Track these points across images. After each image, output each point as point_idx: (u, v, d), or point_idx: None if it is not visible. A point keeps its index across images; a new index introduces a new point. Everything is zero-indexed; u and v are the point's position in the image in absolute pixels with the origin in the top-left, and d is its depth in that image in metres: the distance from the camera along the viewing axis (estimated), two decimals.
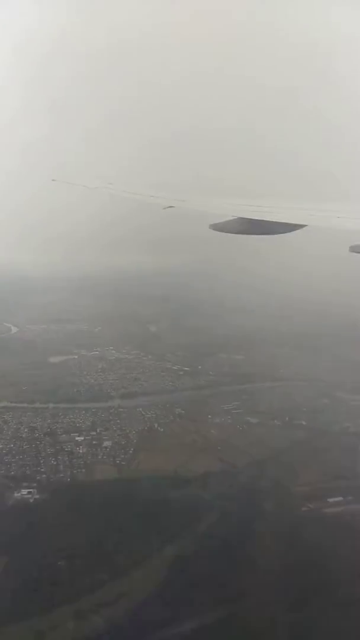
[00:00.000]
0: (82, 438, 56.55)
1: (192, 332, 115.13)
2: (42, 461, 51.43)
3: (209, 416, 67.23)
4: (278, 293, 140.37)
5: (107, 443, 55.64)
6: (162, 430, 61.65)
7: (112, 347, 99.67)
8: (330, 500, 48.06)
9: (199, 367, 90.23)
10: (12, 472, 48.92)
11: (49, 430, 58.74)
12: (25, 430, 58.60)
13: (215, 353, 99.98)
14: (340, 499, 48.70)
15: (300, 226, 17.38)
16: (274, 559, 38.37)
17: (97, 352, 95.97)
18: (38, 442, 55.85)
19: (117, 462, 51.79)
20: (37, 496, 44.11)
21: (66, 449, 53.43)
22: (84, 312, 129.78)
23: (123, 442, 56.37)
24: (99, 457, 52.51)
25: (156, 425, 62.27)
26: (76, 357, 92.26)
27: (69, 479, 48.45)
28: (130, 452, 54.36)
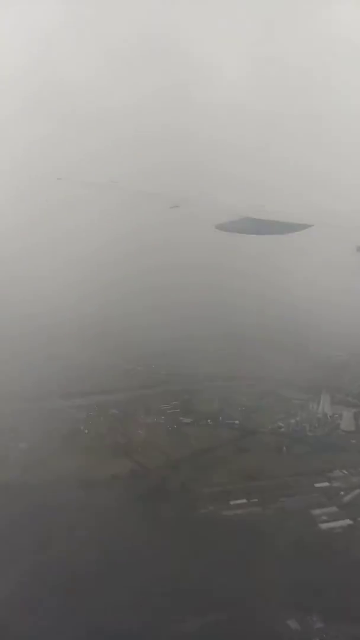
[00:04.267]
0: None
1: (156, 329, 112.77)
2: None
3: (142, 416, 66.75)
4: (262, 292, 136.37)
5: (22, 445, 55.10)
6: (86, 431, 61.49)
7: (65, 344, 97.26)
8: (233, 502, 47.20)
9: (153, 365, 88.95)
10: None
11: None
12: None
13: (173, 352, 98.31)
14: (244, 501, 47.88)
15: (307, 226, 16.84)
16: (142, 566, 37.75)
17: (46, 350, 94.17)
18: None
19: (25, 464, 51.18)
20: None
21: None
22: None
23: (40, 444, 55.67)
24: (10, 460, 51.89)
25: (82, 427, 61.82)
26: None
27: None
28: (44, 454, 53.68)
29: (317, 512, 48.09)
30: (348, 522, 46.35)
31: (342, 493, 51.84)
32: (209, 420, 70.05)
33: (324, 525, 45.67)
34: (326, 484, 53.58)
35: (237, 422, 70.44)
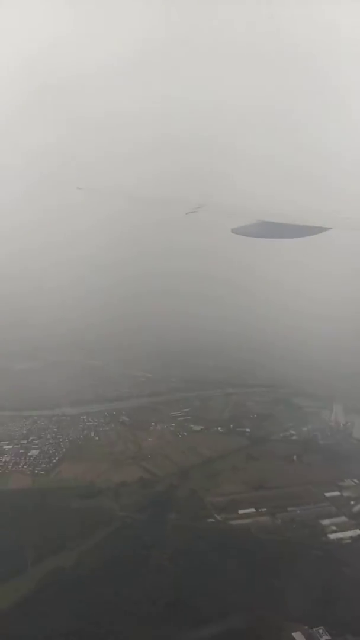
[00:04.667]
0: (11, 447, 56.51)
1: (168, 337, 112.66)
2: None
3: (153, 423, 67.75)
4: (275, 299, 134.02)
5: (33, 452, 55.92)
6: (97, 438, 62.46)
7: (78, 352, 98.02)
8: (241, 511, 46.90)
9: (163, 373, 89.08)
10: None
11: None
12: None
13: (185, 359, 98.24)
14: (252, 510, 47.52)
15: (324, 229, 17.16)
16: (147, 574, 37.74)
17: (60, 358, 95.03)
18: None
19: (36, 471, 52.50)
20: None
21: None
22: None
23: (51, 451, 56.71)
24: (20, 466, 52.57)
25: (93, 433, 62.39)
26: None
27: None
28: (54, 461, 55.44)
29: (326, 522, 47.31)
30: (358, 532, 45.74)
31: (352, 502, 51.09)
32: (219, 428, 69.87)
33: (332, 536, 44.98)
34: (337, 493, 52.84)
35: (247, 430, 69.96)
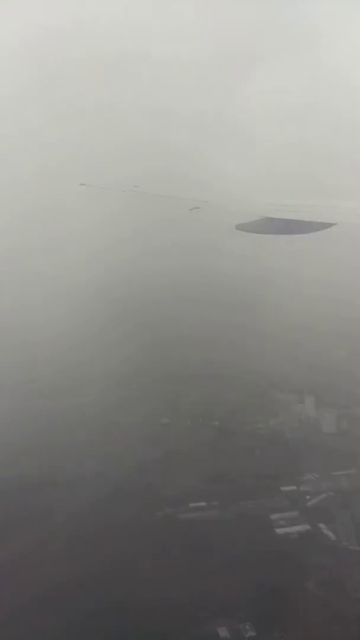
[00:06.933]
0: None
1: (152, 325, 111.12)
2: None
3: (120, 417, 66.56)
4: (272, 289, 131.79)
5: None
6: (59, 433, 61.59)
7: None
8: (192, 505, 46.99)
9: (140, 364, 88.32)
10: None
11: None
12: None
13: (166, 349, 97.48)
14: (203, 504, 47.56)
15: (329, 225, 17.24)
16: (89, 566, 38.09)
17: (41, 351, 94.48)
18: None
19: None
20: None
21: None
22: None
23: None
24: None
25: (55, 428, 62.20)
26: None
27: None
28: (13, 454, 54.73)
29: (276, 516, 47.32)
30: (306, 527, 45.68)
31: (307, 497, 51.06)
32: (188, 422, 69.73)
33: (279, 530, 44.95)
34: (293, 487, 52.81)
35: (216, 422, 69.97)
